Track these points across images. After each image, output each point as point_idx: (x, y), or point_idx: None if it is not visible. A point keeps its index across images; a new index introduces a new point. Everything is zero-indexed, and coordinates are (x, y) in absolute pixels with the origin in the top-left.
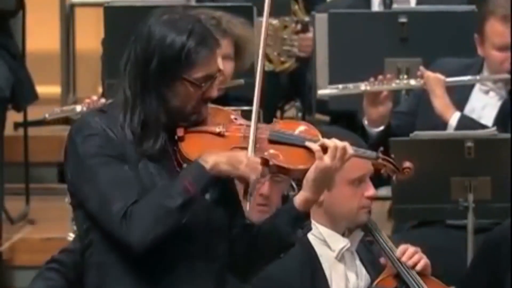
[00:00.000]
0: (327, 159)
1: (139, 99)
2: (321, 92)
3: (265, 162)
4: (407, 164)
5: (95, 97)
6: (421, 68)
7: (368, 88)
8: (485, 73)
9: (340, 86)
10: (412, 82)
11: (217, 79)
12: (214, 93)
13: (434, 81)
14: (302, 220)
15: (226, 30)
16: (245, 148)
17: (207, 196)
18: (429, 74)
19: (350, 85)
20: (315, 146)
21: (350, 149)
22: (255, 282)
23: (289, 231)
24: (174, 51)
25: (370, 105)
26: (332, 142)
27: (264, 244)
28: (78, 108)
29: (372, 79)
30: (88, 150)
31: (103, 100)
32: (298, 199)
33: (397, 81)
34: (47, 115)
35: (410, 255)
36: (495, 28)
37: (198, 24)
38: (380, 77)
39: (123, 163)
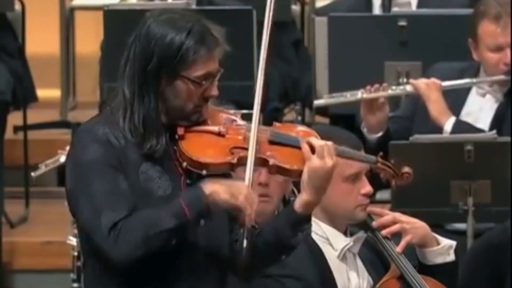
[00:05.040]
0: (315, 158)
1: (138, 98)
2: (317, 102)
3: (265, 162)
4: (406, 169)
5: None
6: (411, 81)
7: (365, 95)
8: (482, 76)
9: (337, 94)
10: (408, 88)
11: (217, 77)
12: (215, 91)
13: (429, 86)
14: (302, 223)
15: None
16: (245, 149)
17: (202, 222)
18: (419, 83)
19: (347, 93)
20: (303, 146)
21: (339, 148)
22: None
23: (289, 234)
24: (174, 49)
25: (367, 112)
26: (317, 141)
27: (265, 247)
28: (62, 158)
29: (368, 87)
30: (87, 157)
31: None
32: (298, 201)
33: (393, 87)
34: (32, 174)
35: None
36: (487, 29)
37: (197, 23)
38: (376, 85)
39: (120, 173)
